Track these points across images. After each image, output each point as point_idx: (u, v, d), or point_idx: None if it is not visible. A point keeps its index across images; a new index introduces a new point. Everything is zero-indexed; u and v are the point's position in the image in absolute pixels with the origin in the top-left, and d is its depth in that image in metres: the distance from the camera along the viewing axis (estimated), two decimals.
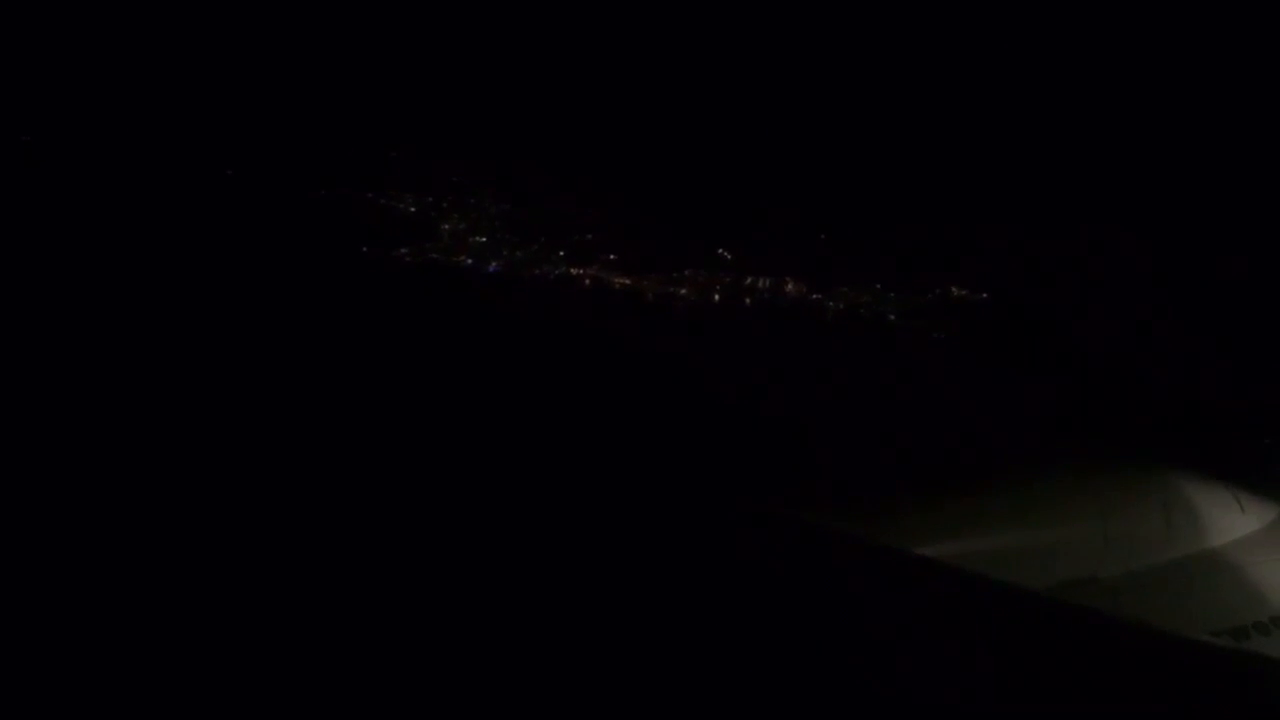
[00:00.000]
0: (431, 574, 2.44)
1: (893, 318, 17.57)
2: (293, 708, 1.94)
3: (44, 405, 3.36)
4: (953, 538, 4.58)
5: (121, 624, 2.09)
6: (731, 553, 3.00)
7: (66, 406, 3.38)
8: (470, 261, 18.69)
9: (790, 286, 18.50)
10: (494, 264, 18.61)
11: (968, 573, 3.64)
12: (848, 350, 18.03)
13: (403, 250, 18.38)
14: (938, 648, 2.43)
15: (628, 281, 18.35)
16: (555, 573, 2.55)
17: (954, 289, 18.27)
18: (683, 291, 18.01)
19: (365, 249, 18.40)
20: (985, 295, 18.08)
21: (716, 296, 18.22)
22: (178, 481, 2.82)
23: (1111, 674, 2.44)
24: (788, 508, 4.04)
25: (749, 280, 18.44)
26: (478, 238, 19.72)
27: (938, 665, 2.31)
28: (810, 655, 2.27)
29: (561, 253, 19.34)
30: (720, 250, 19.97)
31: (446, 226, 20.10)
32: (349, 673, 2.04)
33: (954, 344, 17.23)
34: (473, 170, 22.97)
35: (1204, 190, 18.72)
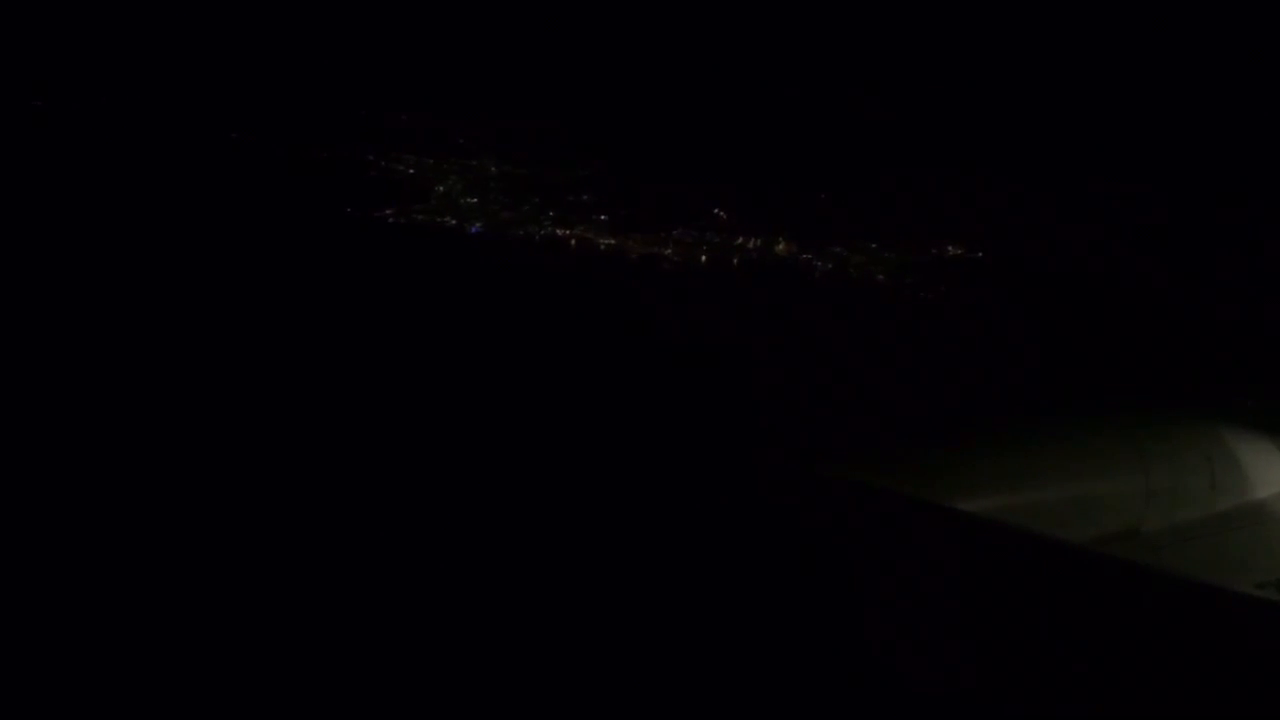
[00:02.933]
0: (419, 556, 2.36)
1: (881, 277, 17.05)
2: (292, 708, 1.86)
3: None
4: (992, 492, 4.46)
5: (121, 624, 2.04)
6: (766, 511, 2.90)
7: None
8: (454, 222, 18.52)
9: (781, 246, 18.04)
10: (476, 225, 18.41)
11: (1007, 526, 3.61)
12: (839, 310, 17.59)
13: (387, 211, 18.26)
14: (977, 602, 2.36)
15: (612, 242, 18.04)
16: (565, 539, 2.46)
17: (950, 248, 17.70)
18: (667, 252, 17.65)
19: (349, 209, 18.33)
20: (980, 254, 17.48)
21: (704, 257, 17.83)
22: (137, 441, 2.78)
23: (1154, 628, 2.35)
24: (817, 466, 4.00)
25: (739, 240, 18.02)
26: (469, 199, 19.54)
27: (977, 620, 2.24)
28: (850, 611, 2.22)
29: (551, 213, 19.09)
30: (717, 210, 19.58)
31: (441, 188, 19.96)
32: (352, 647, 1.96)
33: (944, 303, 16.71)
34: (480, 131, 22.80)
35: (1219, 136, 17.82)
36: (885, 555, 2.57)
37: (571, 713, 1.79)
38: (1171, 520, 4.94)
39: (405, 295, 15.01)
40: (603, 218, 18.88)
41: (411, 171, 20.70)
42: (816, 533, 2.65)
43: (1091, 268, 19.12)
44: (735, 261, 17.77)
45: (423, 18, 25.88)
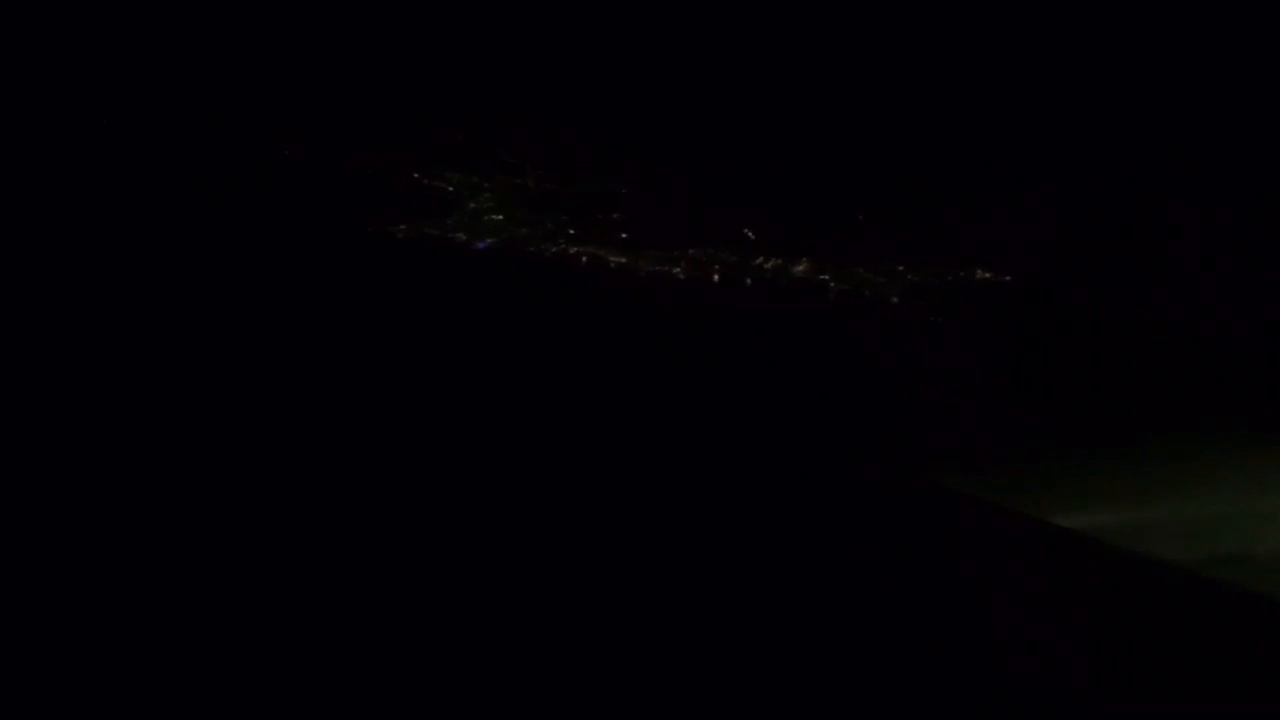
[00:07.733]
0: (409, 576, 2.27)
1: (896, 300, 16.11)
2: (293, 707, 1.77)
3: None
4: (1104, 510, 4.44)
5: (121, 623, 1.98)
6: (870, 517, 2.78)
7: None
8: (464, 238, 18.35)
9: (801, 267, 17.25)
10: (486, 241, 18.19)
11: (1107, 545, 3.56)
12: (851, 330, 16.79)
13: (401, 226, 18.23)
14: (1076, 619, 2.20)
15: (623, 260, 17.57)
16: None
17: (979, 271, 16.59)
18: (677, 270, 17.08)
19: (357, 222, 18.34)
20: (1008, 278, 16.33)
21: (716, 277, 17.19)
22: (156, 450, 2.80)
23: (1264, 653, 2.15)
24: (924, 480, 4.00)
25: (757, 260, 17.32)
26: (495, 215, 19.33)
27: (1075, 636, 2.08)
28: (949, 622, 2.09)
29: (572, 231, 18.73)
30: (746, 230, 18.92)
31: (473, 205, 19.82)
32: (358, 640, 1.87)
33: (957, 326, 15.73)
34: (528, 146, 22.58)
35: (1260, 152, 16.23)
36: (995, 568, 2.43)
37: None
38: None
39: (392, 308, 14.95)
40: (623, 235, 18.42)
41: (451, 189, 20.63)
42: (930, 544, 2.50)
43: (1155, 301, 17.78)
44: (748, 281, 17.06)
45: (493, 35, 25.94)
